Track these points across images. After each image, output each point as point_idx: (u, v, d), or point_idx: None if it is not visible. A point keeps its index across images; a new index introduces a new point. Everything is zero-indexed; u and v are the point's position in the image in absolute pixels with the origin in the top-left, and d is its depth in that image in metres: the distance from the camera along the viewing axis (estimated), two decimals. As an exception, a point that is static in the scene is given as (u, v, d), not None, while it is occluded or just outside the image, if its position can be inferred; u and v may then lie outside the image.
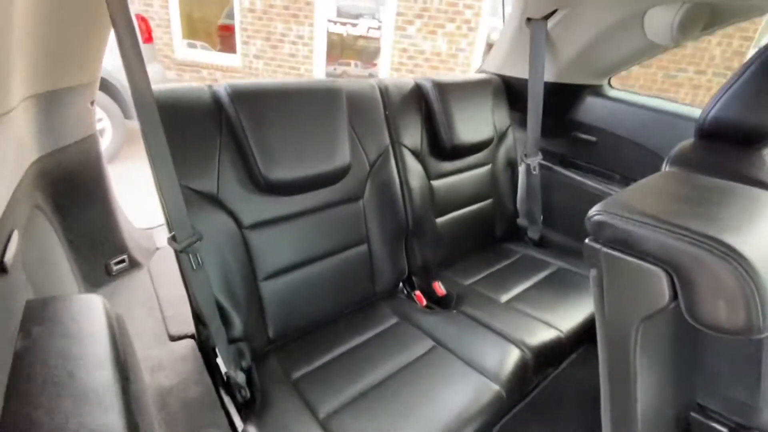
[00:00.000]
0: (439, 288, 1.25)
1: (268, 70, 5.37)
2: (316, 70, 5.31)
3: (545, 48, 1.41)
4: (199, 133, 0.86)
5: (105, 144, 3.35)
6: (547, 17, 1.38)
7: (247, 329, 0.93)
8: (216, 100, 0.89)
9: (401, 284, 1.29)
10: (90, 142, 1.08)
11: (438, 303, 1.26)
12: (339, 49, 5.36)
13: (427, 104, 1.29)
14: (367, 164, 1.14)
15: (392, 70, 5.18)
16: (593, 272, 0.62)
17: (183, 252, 0.76)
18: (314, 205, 1.03)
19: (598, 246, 0.59)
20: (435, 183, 1.34)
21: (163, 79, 3.62)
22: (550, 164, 1.59)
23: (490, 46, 4.98)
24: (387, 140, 1.19)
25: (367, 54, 5.35)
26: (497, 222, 1.58)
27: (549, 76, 1.46)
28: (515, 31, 1.47)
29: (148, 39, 3.55)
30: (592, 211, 0.59)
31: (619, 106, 1.46)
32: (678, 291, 0.51)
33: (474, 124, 1.37)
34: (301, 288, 1.03)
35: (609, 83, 1.55)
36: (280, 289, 0.99)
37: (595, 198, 1.50)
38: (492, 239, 1.58)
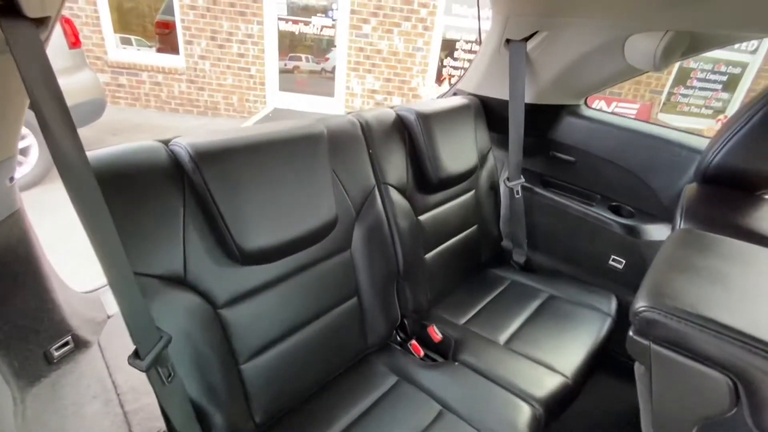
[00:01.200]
0: (435, 333, 1.17)
1: (215, 72, 5.01)
2: (268, 70, 5.02)
3: (525, 69, 1.36)
4: (158, 205, 0.70)
5: (30, 164, 2.93)
6: (526, 39, 1.33)
7: (230, 421, 0.79)
8: (175, 161, 0.74)
9: (394, 332, 1.20)
10: (13, 221, 0.88)
11: (435, 349, 1.19)
12: (288, 45, 5.10)
13: (410, 137, 1.20)
14: (353, 210, 1.03)
15: (349, 70, 5.02)
16: (640, 368, 0.56)
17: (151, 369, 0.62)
18: (297, 266, 0.91)
19: (647, 343, 0.53)
20: (422, 218, 1.26)
21: (96, 87, 3.22)
22: (531, 186, 1.56)
23: (446, 42, 4.96)
24: (372, 181, 1.08)
25: (319, 49, 5.14)
26: (482, 247, 1.53)
27: (528, 97, 1.42)
28: (494, 52, 1.41)
29: (76, 43, 3.14)
30: (640, 307, 0.53)
31: (596, 126, 1.45)
32: (743, 400, 0.47)
33: (459, 153, 1.30)
34: (289, 361, 0.91)
35: (585, 103, 1.54)
36: (264, 368, 0.87)
37: (577, 219, 1.52)
38: (478, 266, 1.53)
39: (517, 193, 1.49)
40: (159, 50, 5.11)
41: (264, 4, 4.72)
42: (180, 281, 0.73)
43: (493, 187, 1.54)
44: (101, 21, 4.83)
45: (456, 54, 5.01)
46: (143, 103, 5.19)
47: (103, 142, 3.96)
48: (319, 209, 0.88)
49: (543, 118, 1.50)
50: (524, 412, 0.91)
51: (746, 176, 0.77)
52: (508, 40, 1.36)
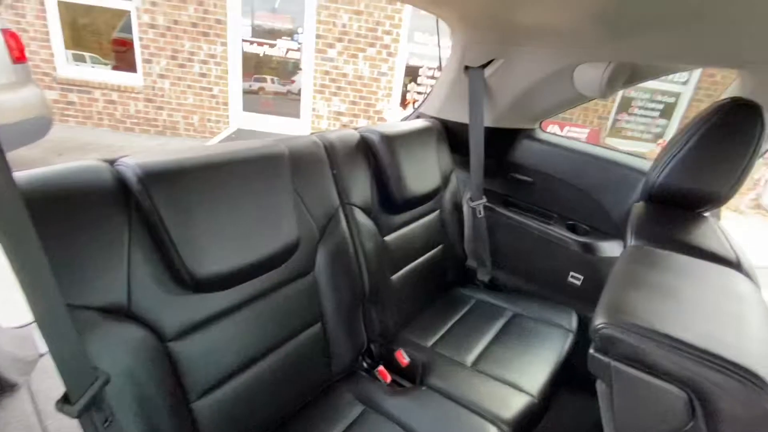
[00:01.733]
0: (403, 358, 1.14)
1: (176, 91, 4.87)
2: (231, 91, 4.95)
3: (484, 95, 1.42)
4: (98, 229, 0.65)
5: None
6: (484, 66, 1.39)
7: (179, 467, 0.72)
8: (120, 182, 0.68)
9: (360, 357, 1.16)
10: None
11: (403, 374, 1.15)
12: (254, 67, 5.08)
13: (375, 158, 1.20)
14: (317, 232, 1.00)
15: (315, 92, 5.05)
16: (601, 385, 0.57)
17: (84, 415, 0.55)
18: (256, 292, 0.86)
19: (607, 360, 0.53)
20: (388, 239, 1.25)
21: (41, 104, 3.02)
22: (493, 206, 1.60)
23: (410, 69, 5.13)
24: (336, 201, 1.06)
25: (285, 71, 5.16)
26: (448, 267, 1.54)
27: (487, 120, 1.48)
28: (454, 78, 1.46)
29: (20, 57, 2.95)
30: (599, 324, 0.54)
31: (551, 148, 1.53)
32: (698, 412, 0.48)
33: (423, 173, 1.31)
34: (247, 395, 0.85)
35: (540, 127, 1.62)
36: (220, 405, 0.80)
37: (537, 238, 1.57)
38: (444, 285, 1.53)
39: (480, 213, 1.52)
40: (115, 68, 4.91)
41: (228, 26, 4.69)
42: (123, 313, 0.66)
43: (457, 208, 1.57)
44: (51, 36, 4.60)
45: (419, 80, 5.18)
46: (95, 122, 4.93)
47: (47, 161, 3.70)
48: (280, 231, 0.84)
49: (502, 141, 1.56)
50: (493, 435, 0.90)
51: (686, 195, 0.83)
52: (467, 67, 1.41)
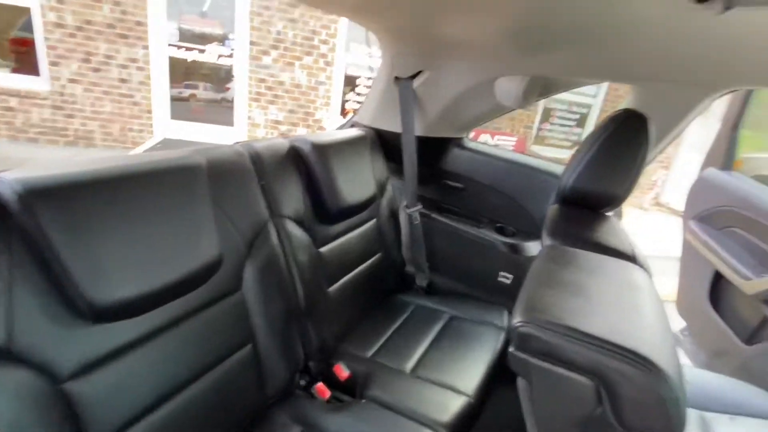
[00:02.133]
0: (342, 371, 1.12)
1: (90, 97, 4.41)
2: (156, 98, 4.60)
3: (414, 105, 1.46)
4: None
5: None
6: (413, 77, 1.43)
7: None
8: None
9: (297, 376, 1.11)
10: None
11: (343, 388, 1.13)
12: (184, 72, 4.79)
13: (306, 168, 1.17)
14: (243, 247, 0.94)
15: (250, 100, 4.87)
16: (522, 382, 0.59)
17: None
18: (173, 317, 0.79)
19: (525, 356, 0.56)
20: (324, 250, 1.22)
21: None
22: (428, 212, 1.64)
23: (349, 78, 5.16)
24: (265, 214, 1.02)
25: (218, 78, 4.92)
26: (387, 274, 1.54)
27: (418, 130, 1.52)
28: (384, 87, 1.49)
29: None
30: (516, 323, 0.56)
31: (478, 156, 1.61)
32: (604, 399, 0.52)
33: (357, 182, 1.31)
34: (169, 431, 0.77)
35: (467, 136, 1.70)
36: (133, 447, 0.71)
37: (470, 241, 1.64)
38: (383, 293, 1.53)
39: (416, 219, 1.55)
40: (15, 71, 4.34)
41: (150, 29, 4.37)
42: (3, 354, 0.57)
43: (394, 215, 1.58)
44: (-73, 32, 3.95)
45: (358, 89, 5.23)
46: (-12, 131, 4.30)
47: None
48: (198, 249, 0.78)
49: (434, 150, 1.62)
50: (431, 441, 0.91)
51: (592, 197, 0.92)
52: (396, 78, 1.44)
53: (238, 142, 1.06)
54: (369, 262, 1.44)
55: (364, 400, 1.04)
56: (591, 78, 1.30)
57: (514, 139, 5.53)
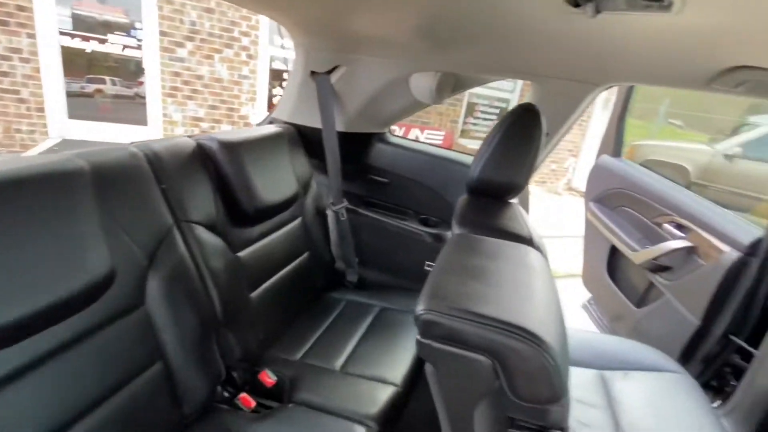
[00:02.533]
0: (267, 377, 1.08)
1: (-42, 93, 3.74)
2: (48, 94, 4.04)
3: (333, 100, 1.44)
4: None
5: None
6: (330, 72, 1.41)
7: None
8: None
9: (220, 388, 1.05)
10: None
11: (270, 395, 1.09)
12: (85, 65, 4.26)
13: (216, 168, 1.10)
14: (144, 258, 0.86)
15: (165, 96, 4.48)
16: (429, 367, 0.62)
17: None
18: (64, 339, 0.70)
19: (428, 342, 0.58)
20: (242, 254, 1.16)
21: None
22: (355, 207, 1.64)
23: (275, 72, 4.97)
24: (168, 220, 0.94)
25: (128, 71, 4.46)
26: (317, 273, 1.52)
27: (340, 125, 1.51)
28: (301, 82, 1.45)
29: None
30: (420, 311, 0.58)
31: (401, 151, 1.65)
32: (500, 373, 0.56)
33: (276, 181, 1.26)
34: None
35: (389, 131, 1.73)
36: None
37: (396, 233, 1.68)
38: (314, 292, 1.51)
39: (342, 215, 1.54)
40: None
41: (36, 14, 3.81)
42: None
43: (320, 213, 1.56)
44: None
45: (285, 84, 5.06)
46: None
47: None
48: (84, 264, 0.70)
49: (356, 145, 1.62)
50: (359, 436, 0.91)
51: (496, 186, 0.98)
52: (313, 72, 1.41)
53: (133, 143, 0.96)
54: (296, 262, 1.40)
55: (291, 405, 1.02)
56: (494, 74, 1.38)
57: (443, 133, 5.76)
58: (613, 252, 2.03)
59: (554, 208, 5.60)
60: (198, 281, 0.98)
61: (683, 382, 1.26)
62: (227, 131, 1.20)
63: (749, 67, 0.93)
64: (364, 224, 1.63)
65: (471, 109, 6.02)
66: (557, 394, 0.53)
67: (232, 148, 1.12)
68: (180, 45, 4.38)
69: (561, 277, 3.60)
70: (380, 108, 1.52)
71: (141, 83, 4.53)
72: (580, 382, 1.29)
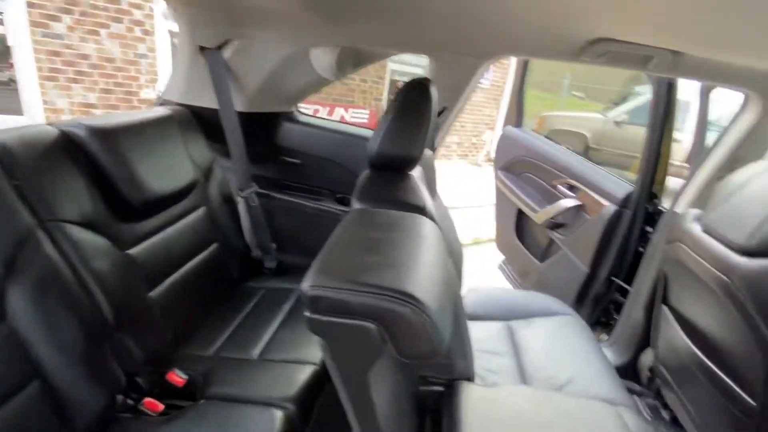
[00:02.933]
0: (176, 377, 1.02)
1: None
2: None
3: (228, 78, 1.35)
4: None
5: None
6: (221, 47, 1.31)
7: None
8: None
9: (122, 397, 0.97)
10: None
11: (182, 395, 1.03)
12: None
13: (88, 158, 0.98)
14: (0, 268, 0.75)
15: (43, 79, 3.86)
16: (322, 342, 0.62)
17: None
18: None
19: (317, 317, 0.59)
20: (134, 251, 1.06)
21: None
22: (268, 191, 1.58)
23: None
24: (28, 221, 0.82)
25: (-9, 51, 3.75)
26: (230, 263, 1.45)
27: (240, 105, 1.42)
28: (190, 59, 1.33)
29: None
30: (305, 287, 0.58)
31: (311, 130, 1.60)
32: (386, 337, 0.58)
33: (167, 169, 1.16)
34: None
35: (297, 109, 1.67)
36: None
37: (313, 215, 1.65)
38: (229, 283, 1.44)
39: (253, 201, 1.48)
40: None
41: None
42: None
43: (228, 200, 1.48)
44: None
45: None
46: None
47: None
48: None
49: (262, 125, 1.54)
50: (276, 419, 0.91)
51: (395, 159, 1.00)
52: (201, 48, 1.30)
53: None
54: (203, 254, 1.32)
55: (203, 401, 0.97)
56: (391, 48, 1.39)
57: (368, 111, 5.74)
58: (520, 215, 2.21)
59: (476, 178, 5.94)
60: (76, 286, 0.87)
61: (574, 322, 1.44)
62: (100, 116, 1.06)
63: (608, 39, 1.04)
64: (279, 208, 1.58)
65: (393, 86, 6.06)
66: (436, 349, 0.57)
67: (106, 134, 1.00)
68: (55, 19, 3.76)
69: (483, 243, 3.87)
70: (283, 85, 1.45)
71: (12, 65, 3.83)
72: (489, 334, 1.41)
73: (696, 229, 1.12)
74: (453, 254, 1.42)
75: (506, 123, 2.39)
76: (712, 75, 1.22)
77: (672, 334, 1.26)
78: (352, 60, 1.37)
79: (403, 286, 0.57)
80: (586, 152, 6.13)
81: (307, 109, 5.15)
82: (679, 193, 1.48)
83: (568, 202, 1.84)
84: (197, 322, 1.25)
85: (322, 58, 1.32)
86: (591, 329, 1.82)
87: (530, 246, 2.18)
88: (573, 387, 1.14)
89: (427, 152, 1.30)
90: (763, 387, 0.91)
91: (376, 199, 0.91)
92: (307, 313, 0.60)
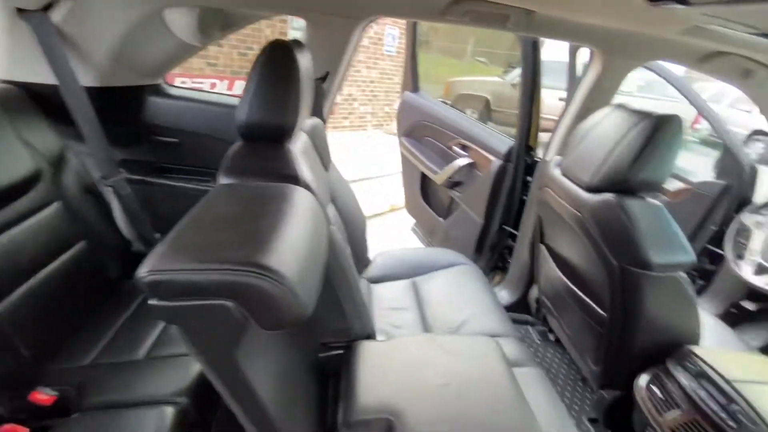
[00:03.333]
0: (41, 396, 0.90)
1: None
2: None
3: (65, 47, 1.14)
4: None
5: None
6: (46, 9, 1.09)
7: None
8: None
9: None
10: None
11: (53, 413, 0.91)
12: None
13: None
14: None
15: None
16: (176, 329, 0.58)
17: None
18: None
19: (163, 303, 0.54)
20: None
21: None
22: (143, 177, 1.41)
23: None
24: None
25: None
26: (107, 261, 1.29)
27: (88, 79, 1.22)
28: (9, 25, 1.09)
29: None
30: (141, 273, 0.53)
31: (185, 104, 1.45)
32: (246, 314, 0.56)
33: (-9, 161, 0.96)
34: None
35: (165, 82, 1.49)
36: None
37: (199, 198, 1.51)
38: (107, 283, 1.29)
39: (124, 189, 1.31)
40: None
41: None
42: None
43: (92, 191, 1.29)
44: None
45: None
46: None
47: None
48: None
49: (122, 102, 1.35)
50: (166, 417, 0.85)
51: (266, 128, 0.93)
52: (20, 10, 1.07)
53: None
54: (67, 255, 1.15)
55: (76, 415, 0.87)
56: (256, 9, 1.29)
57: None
58: (424, 178, 2.30)
59: (392, 147, 6.01)
60: None
61: (470, 270, 1.56)
62: None
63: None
64: (158, 194, 1.43)
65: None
66: (300, 316, 0.57)
67: None
68: None
69: (400, 209, 3.99)
70: (140, 54, 1.27)
71: None
72: (395, 293, 1.47)
73: (557, 173, 1.25)
74: (352, 223, 1.43)
75: (404, 89, 2.41)
76: (563, 33, 1.34)
77: (548, 269, 1.44)
78: (218, 23, 1.25)
79: (256, 259, 0.55)
80: (489, 114, 6.56)
81: (203, 84, 4.70)
82: (548, 144, 1.65)
83: (462, 161, 1.95)
84: (67, 331, 1.10)
85: (180, 21, 1.17)
86: (490, 275, 2.00)
87: (435, 206, 2.29)
88: (467, 327, 1.24)
89: (316, 121, 1.25)
90: (610, 299, 1.09)
91: (244, 172, 0.85)
92: (151, 301, 0.55)
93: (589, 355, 1.26)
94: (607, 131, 1.09)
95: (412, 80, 2.32)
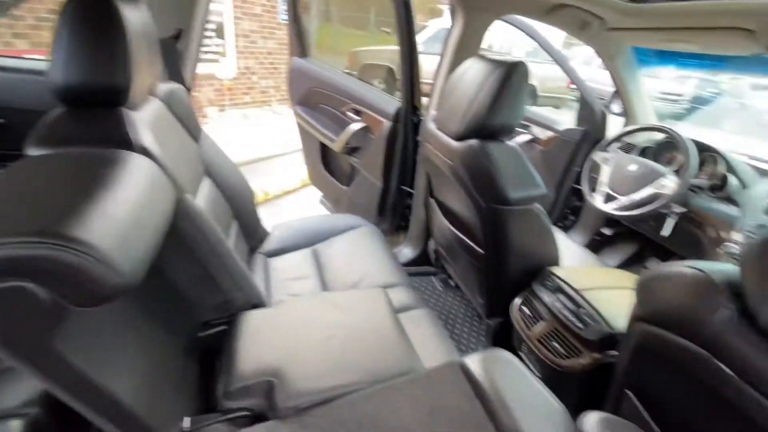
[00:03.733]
0: None
1: None
2: None
3: None
4: None
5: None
6: None
7: None
8: None
9: None
10: None
11: None
12: None
13: None
14: None
15: None
16: None
17: None
18: None
19: None
20: None
21: None
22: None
23: None
24: None
25: None
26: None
27: None
28: None
29: None
30: None
31: (7, 75, 1.21)
32: (50, 290, 0.49)
33: None
34: None
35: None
36: None
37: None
38: None
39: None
40: None
41: None
42: None
43: None
44: None
45: None
46: None
47: None
48: None
49: None
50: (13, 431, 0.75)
51: (95, 90, 0.79)
52: None
53: None
54: None
55: None
56: None
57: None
58: (323, 147, 2.26)
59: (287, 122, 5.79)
60: None
61: (369, 231, 1.59)
62: None
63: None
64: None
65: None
66: (121, 286, 0.51)
67: None
68: None
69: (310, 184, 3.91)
70: None
71: None
72: (295, 263, 1.45)
73: (432, 127, 1.31)
74: (236, 198, 1.35)
75: (291, 54, 2.30)
76: None
77: (438, 221, 1.52)
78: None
79: (54, 229, 0.48)
80: (394, 82, 6.62)
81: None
82: (429, 102, 1.71)
83: (356, 126, 1.94)
84: None
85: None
86: (395, 234, 2.07)
87: (337, 174, 2.28)
88: (363, 284, 1.28)
89: (174, 86, 1.13)
90: (483, 237, 1.19)
91: (61, 141, 0.74)
92: None
93: (476, 291, 1.38)
94: (469, 83, 1.16)
95: (298, 45, 2.22)
